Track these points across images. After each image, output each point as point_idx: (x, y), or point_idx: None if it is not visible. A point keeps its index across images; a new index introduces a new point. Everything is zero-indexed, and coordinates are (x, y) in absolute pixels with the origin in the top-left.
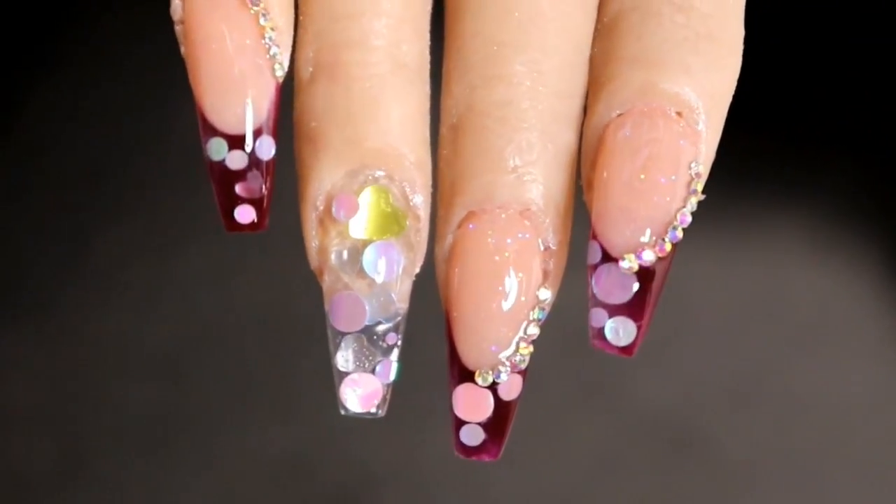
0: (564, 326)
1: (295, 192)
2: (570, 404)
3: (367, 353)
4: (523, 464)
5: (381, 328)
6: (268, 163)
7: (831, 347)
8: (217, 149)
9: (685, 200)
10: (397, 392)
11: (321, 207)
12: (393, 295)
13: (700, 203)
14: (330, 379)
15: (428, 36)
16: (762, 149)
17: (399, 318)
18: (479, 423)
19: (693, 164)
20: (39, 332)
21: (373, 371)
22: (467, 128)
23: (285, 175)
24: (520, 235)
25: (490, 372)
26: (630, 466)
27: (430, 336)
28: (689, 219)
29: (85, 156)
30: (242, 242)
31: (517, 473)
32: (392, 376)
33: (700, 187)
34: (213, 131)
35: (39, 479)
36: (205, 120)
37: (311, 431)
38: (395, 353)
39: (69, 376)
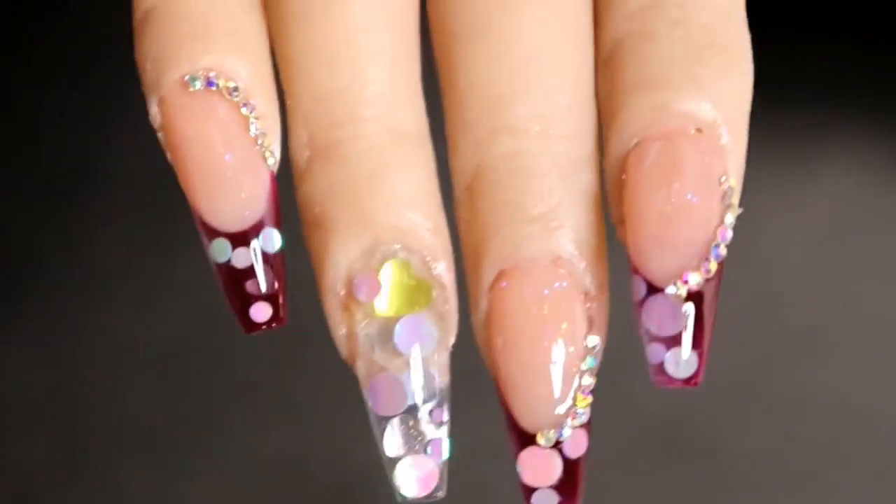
0: None
1: (288, 187)
2: None
3: (416, 434)
4: None
5: (426, 406)
6: (276, 255)
7: (832, 347)
8: (221, 250)
9: (721, 216)
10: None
11: (342, 292)
12: (432, 370)
13: None
14: (331, 380)
15: (422, 96)
16: (763, 148)
17: (442, 392)
18: (550, 487)
19: (723, 179)
20: (39, 332)
21: (424, 451)
22: (481, 186)
23: (282, 170)
24: (557, 285)
25: (552, 431)
26: (630, 467)
27: None
28: (729, 234)
29: (85, 155)
30: None
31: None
32: (446, 454)
33: (735, 200)
34: (214, 233)
35: (39, 479)
36: (203, 222)
37: (311, 432)
38: (445, 430)
39: (69, 376)
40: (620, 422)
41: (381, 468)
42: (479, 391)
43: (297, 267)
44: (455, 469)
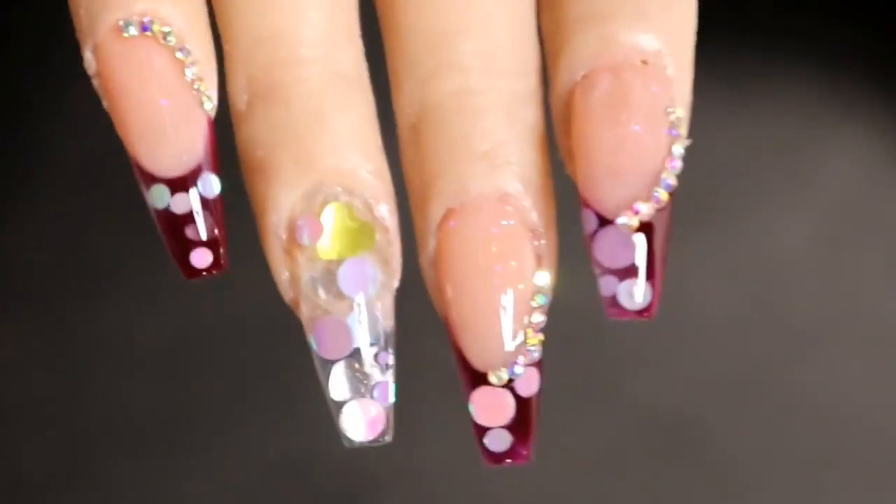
0: (562, 325)
1: None
2: (569, 404)
3: (362, 377)
4: None
5: (371, 350)
6: (215, 200)
7: (831, 347)
8: (159, 196)
9: (669, 147)
10: (397, 392)
11: (284, 236)
12: (377, 313)
13: (699, 203)
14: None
15: (360, 40)
16: (762, 146)
17: (387, 336)
18: (503, 427)
19: (670, 110)
20: (39, 331)
21: (371, 395)
22: (427, 124)
23: None
24: (504, 223)
25: (503, 369)
26: (630, 466)
27: (428, 337)
28: (678, 164)
29: (84, 154)
30: (243, 242)
31: (516, 473)
32: (391, 398)
33: (684, 131)
34: (152, 179)
35: (39, 479)
36: (141, 169)
37: (312, 432)
38: (390, 374)
39: (69, 376)
40: (619, 421)
41: (386, 471)
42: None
43: None
44: (445, 467)
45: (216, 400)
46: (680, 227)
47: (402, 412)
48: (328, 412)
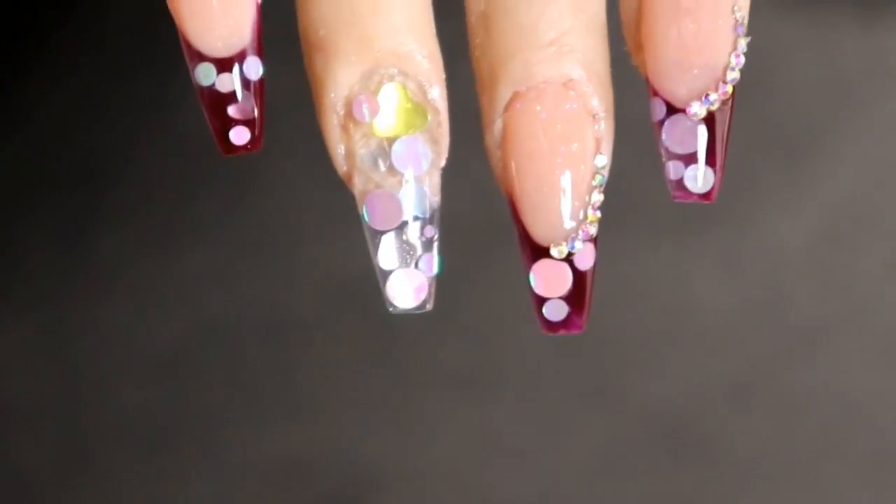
0: None
1: (288, 188)
2: (570, 404)
3: (409, 248)
4: (523, 464)
5: (417, 223)
6: (257, 83)
7: (832, 347)
8: (206, 74)
9: (735, 43)
10: (397, 392)
11: (341, 112)
12: (425, 188)
13: (698, 204)
14: (334, 382)
15: None
16: (762, 146)
17: (434, 210)
18: (560, 298)
19: (735, 9)
20: (40, 331)
21: (416, 266)
22: (496, 11)
23: (281, 172)
24: (567, 107)
25: (564, 243)
26: (630, 467)
27: (430, 336)
28: (742, 60)
29: (85, 154)
30: (243, 242)
31: (517, 474)
32: (436, 269)
33: (745, 28)
34: (200, 57)
35: (39, 479)
36: (189, 47)
37: (312, 432)
38: (434, 247)
39: (69, 376)
40: (621, 420)
41: (386, 472)
42: (478, 392)
43: (302, 262)
44: (445, 468)
45: (217, 400)
46: (680, 228)
47: (405, 412)
48: (330, 413)
